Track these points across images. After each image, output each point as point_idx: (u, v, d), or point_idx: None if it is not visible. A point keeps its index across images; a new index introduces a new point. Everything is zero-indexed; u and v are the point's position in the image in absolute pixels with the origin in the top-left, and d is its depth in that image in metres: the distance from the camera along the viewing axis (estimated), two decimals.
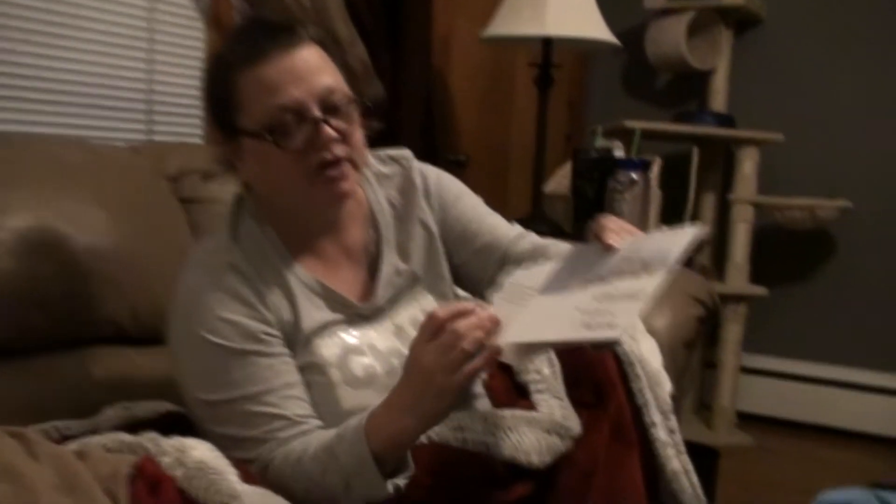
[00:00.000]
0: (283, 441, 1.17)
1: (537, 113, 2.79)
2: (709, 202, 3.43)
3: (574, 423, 1.32)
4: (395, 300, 1.35)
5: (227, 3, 2.32)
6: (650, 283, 1.05)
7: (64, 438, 1.19)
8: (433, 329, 1.07)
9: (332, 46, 1.30)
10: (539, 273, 1.22)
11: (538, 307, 1.14)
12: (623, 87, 3.78)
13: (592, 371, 1.40)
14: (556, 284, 1.17)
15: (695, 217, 3.36)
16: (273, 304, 1.24)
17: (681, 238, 1.10)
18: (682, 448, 1.44)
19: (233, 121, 1.24)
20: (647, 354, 1.52)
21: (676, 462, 1.43)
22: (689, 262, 3.12)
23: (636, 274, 1.08)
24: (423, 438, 1.20)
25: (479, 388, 1.40)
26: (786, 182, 3.36)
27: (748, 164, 3.16)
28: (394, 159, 1.43)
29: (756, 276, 3.22)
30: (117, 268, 1.53)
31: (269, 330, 1.22)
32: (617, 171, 2.21)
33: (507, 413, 1.30)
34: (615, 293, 1.07)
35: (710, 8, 3.30)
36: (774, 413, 3.42)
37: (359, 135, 1.26)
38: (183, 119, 2.35)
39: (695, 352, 1.93)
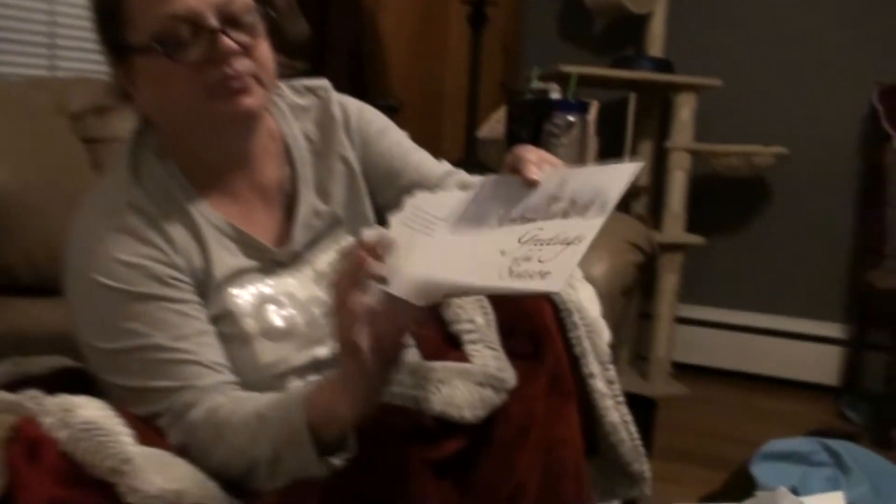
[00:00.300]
0: (202, 390, 1.06)
1: (470, 54, 2.67)
2: (645, 150, 3.37)
3: (509, 375, 1.24)
4: (314, 244, 1.24)
5: None
6: (588, 229, 0.93)
7: None
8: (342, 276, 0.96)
9: None
10: (447, 200, 1.08)
11: (450, 243, 1.02)
12: (559, 32, 3.69)
13: (529, 320, 1.32)
14: (469, 218, 1.04)
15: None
16: (182, 248, 1.12)
17: (617, 176, 0.97)
18: (622, 399, 1.39)
19: (122, 38, 1.10)
20: (586, 302, 1.45)
21: (615, 413, 1.37)
22: (624, 208, 3.09)
23: (567, 215, 0.96)
24: None
25: (407, 338, 1.30)
26: (722, 129, 3.31)
27: (685, 111, 3.10)
28: (310, 90, 1.31)
29: (692, 225, 3.18)
30: (11, 212, 1.40)
31: (177, 274, 1.10)
32: (553, 113, 2.12)
33: (438, 365, 1.21)
34: (545, 237, 0.95)
35: None
36: (710, 363, 3.42)
37: (265, 51, 1.14)
38: (89, 54, 2.19)
39: (633, 300, 1.87)
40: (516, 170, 1.06)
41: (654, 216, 3.23)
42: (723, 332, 3.40)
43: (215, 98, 1.09)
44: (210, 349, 1.10)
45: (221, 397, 1.06)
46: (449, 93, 3.31)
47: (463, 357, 1.29)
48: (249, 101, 1.11)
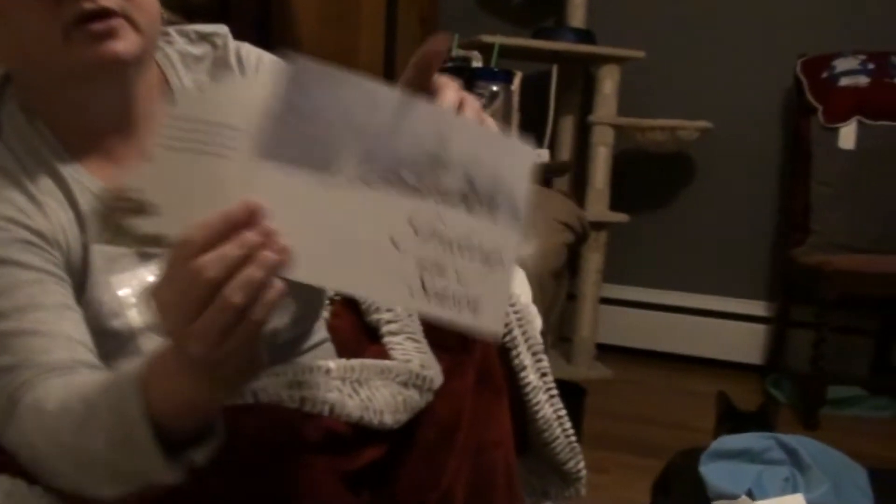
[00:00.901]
0: (44, 367, 0.85)
1: (386, 23, 2.53)
2: (567, 124, 3.27)
3: (435, 372, 1.12)
4: None
5: None
6: (506, 246, 0.80)
7: None
8: (180, 261, 0.67)
9: None
10: (236, 97, 0.74)
11: (286, 188, 0.69)
12: (476, 3, 3.56)
13: None
14: (300, 143, 0.70)
15: (553, 140, 3.20)
16: (52, 214, 0.94)
17: (518, 162, 0.83)
18: (555, 392, 1.31)
19: None
20: (515, 288, 1.34)
21: (549, 408, 1.28)
22: (545, 184, 3.00)
23: (469, 204, 0.77)
24: (247, 397, 0.96)
25: (322, 332, 1.17)
26: (645, 103, 3.24)
27: (608, 84, 3.02)
28: (204, 37, 1.12)
29: (614, 203, 3.10)
30: None
31: (38, 241, 0.92)
32: (476, 82, 1.99)
33: (356, 363, 1.06)
34: (451, 236, 0.76)
35: None
36: (633, 344, 3.36)
37: None
38: None
39: (563, 282, 1.76)
40: (422, 88, 0.82)
41: (578, 193, 3.14)
42: (646, 311, 3.35)
43: (73, 41, 0.90)
44: (69, 324, 0.90)
45: (61, 379, 0.85)
46: (364, 63, 3.16)
47: (382, 351, 1.16)
48: (118, 47, 0.92)
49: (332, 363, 1.06)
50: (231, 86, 0.76)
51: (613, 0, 3.32)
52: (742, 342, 3.24)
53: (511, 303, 1.27)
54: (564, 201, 1.92)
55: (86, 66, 0.92)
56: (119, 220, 0.69)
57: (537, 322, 1.37)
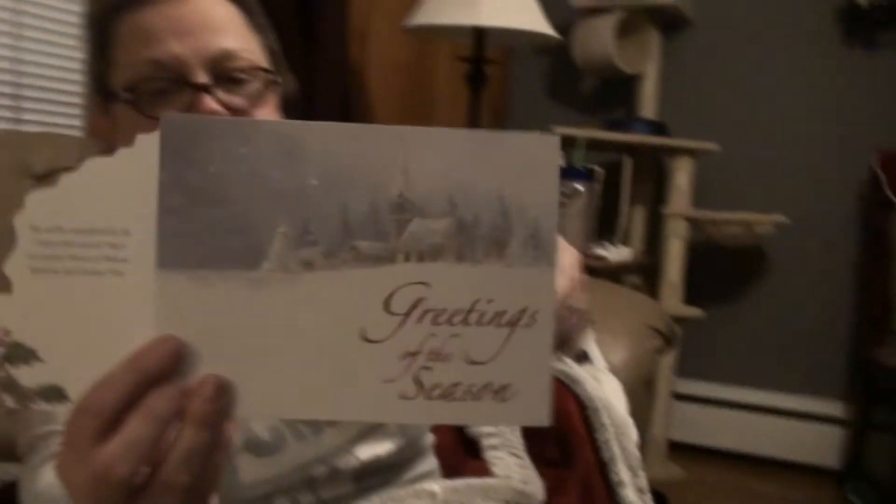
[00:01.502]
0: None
1: (467, 114, 2.53)
2: (639, 216, 3.23)
3: (536, 488, 1.09)
4: None
5: None
6: (540, 290, 0.57)
7: None
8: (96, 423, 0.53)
9: (255, 8, 1.00)
10: (116, 182, 0.56)
11: (202, 308, 0.54)
12: (547, 92, 3.57)
13: (555, 420, 1.16)
14: (209, 241, 0.54)
15: (627, 232, 3.17)
16: None
17: (537, 175, 0.56)
18: None
19: (104, 79, 0.94)
20: (612, 398, 1.29)
21: None
22: (615, 279, 2.95)
23: (462, 251, 0.56)
24: None
25: (430, 461, 1.13)
26: (719, 195, 3.19)
27: (682, 176, 2.98)
28: None
29: (688, 297, 3.04)
30: None
31: None
32: (560, 181, 1.97)
33: (461, 485, 1.04)
34: (443, 304, 0.56)
35: (640, 7, 3.12)
36: (706, 442, 3.25)
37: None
38: (56, 107, 2.02)
39: (653, 389, 1.71)
40: None
41: (649, 286, 3.09)
42: (719, 409, 3.25)
43: None
44: None
45: None
46: None
47: (483, 468, 1.12)
48: None
49: (437, 486, 1.03)
50: (101, 174, 0.55)
51: (685, 92, 3.30)
52: (818, 444, 3.12)
53: (609, 415, 1.24)
54: (653, 304, 1.88)
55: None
56: None
57: (634, 436, 1.32)
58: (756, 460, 3.19)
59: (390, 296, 0.55)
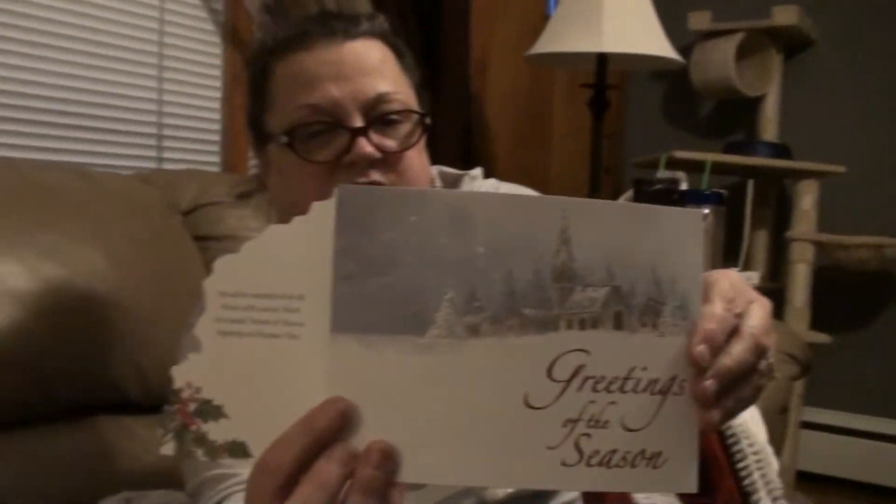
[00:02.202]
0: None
1: (589, 140, 2.54)
2: (761, 240, 3.17)
3: None
4: None
5: (245, 16, 2.08)
6: (682, 361, 0.58)
7: None
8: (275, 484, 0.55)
9: (404, 49, 1.04)
10: (294, 249, 0.58)
11: (371, 372, 0.55)
12: (663, 116, 3.55)
13: None
14: (379, 308, 0.55)
15: (748, 257, 3.11)
16: None
17: (684, 246, 0.59)
18: None
19: (262, 122, 0.99)
20: (751, 425, 1.27)
21: None
22: None
23: (620, 321, 0.57)
24: None
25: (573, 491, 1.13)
26: (843, 218, 3.10)
27: (807, 199, 2.91)
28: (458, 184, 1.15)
29: (815, 322, 2.96)
30: (120, 320, 1.27)
31: None
32: (685, 204, 1.96)
33: None
34: (602, 372, 0.57)
35: (760, 29, 3.07)
36: (835, 472, 3.14)
37: (416, 162, 0.97)
38: (197, 146, 2.11)
39: (788, 417, 1.67)
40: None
41: (774, 313, 3.02)
42: (847, 438, 3.14)
43: None
44: None
45: None
46: (555, 182, 3.18)
47: (625, 496, 1.12)
48: None
49: None
50: (279, 241, 0.58)
51: (808, 113, 3.23)
52: None
53: (749, 443, 1.22)
54: (787, 330, 1.84)
55: None
56: (187, 431, 0.57)
57: (775, 464, 1.29)
58: (885, 491, 3.07)
59: (553, 363, 0.56)
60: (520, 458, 0.56)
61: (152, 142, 2.01)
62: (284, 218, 1.01)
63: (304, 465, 0.53)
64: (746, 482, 1.17)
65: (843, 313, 3.17)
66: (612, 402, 0.57)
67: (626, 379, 0.57)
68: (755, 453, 1.21)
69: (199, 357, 0.57)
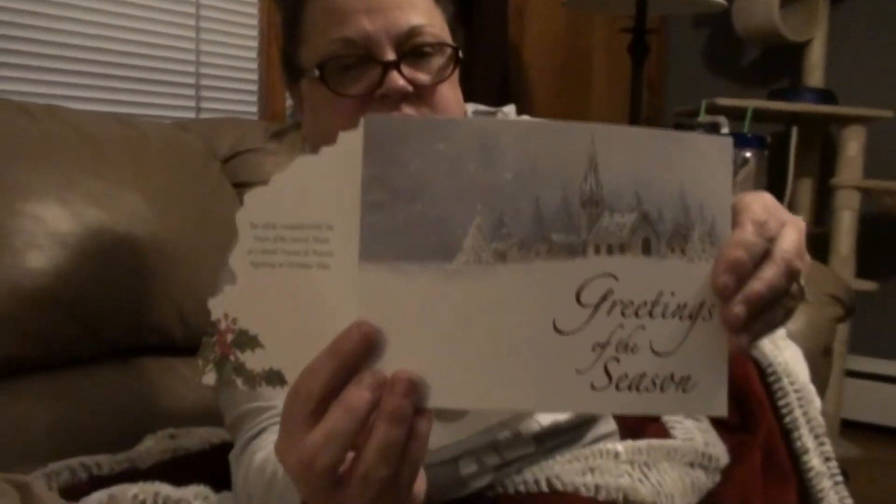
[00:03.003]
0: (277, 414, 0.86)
1: (629, 87, 2.51)
2: (805, 188, 3.13)
3: (720, 451, 1.08)
4: None
5: None
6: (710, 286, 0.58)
7: (92, 479, 0.95)
8: (306, 409, 0.56)
9: None
10: (321, 178, 0.58)
11: (399, 299, 0.55)
12: (705, 63, 3.49)
13: (734, 384, 1.14)
14: (408, 234, 0.55)
15: (792, 206, 3.07)
16: None
17: (713, 173, 0.59)
18: (840, 478, 1.22)
19: (295, 57, 0.98)
20: (793, 364, 1.27)
21: (833, 496, 1.19)
22: None
23: (649, 246, 0.57)
24: (543, 486, 0.95)
25: (610, 422, 1.13)
26: (890, 164, 3.05)
27: (853, 145, 2.86)
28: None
29: (861, 270, 2.92)
30: (162, 264, 1.30)
31: None
32: None
33: (643, 445, 1.04)
34: (631, 296, 0.57)
35: None
36: (881, 421, 3.12)
37: (449, 96, 0.96)
38: (234, 95, 2.13)
39: (831, 360, 1.66)
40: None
41: (820, 260, 2.98)
42: (894, 386, 3.11)
43: None
44: None
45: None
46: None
47: (663, 430, 1.12)
48: None
49: (620, 446, 1.03)
50: (308, 172, 0.59)
51: (854, 58, 3.17)
52: None
53: (791, 381, 1.21)
54: (830, 273, 1.82)
55: None
56: (227, 361, 0.59)
57: (817, 402, 1.28)
58: None
59: (581, 287, 0.56)
60: (548, 383, 0.56)
61: (191, 92, 2.03)
62: (314, 147, 1.01)
63: (333, 391, 0.54)
64: (787, 419, 1.18)
65: (890, 261, 3.13)
66: (641, 327, 0.57)
67: (655, 304, 0.57)
68: (796, 391, 1.21)
69: (234, 289, 0.58)
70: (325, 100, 0.93)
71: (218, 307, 0.58)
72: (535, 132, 0.56)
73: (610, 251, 0.56)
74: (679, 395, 0.58)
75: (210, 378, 0.58)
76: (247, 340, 0.58)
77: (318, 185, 0.58)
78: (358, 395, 0.54)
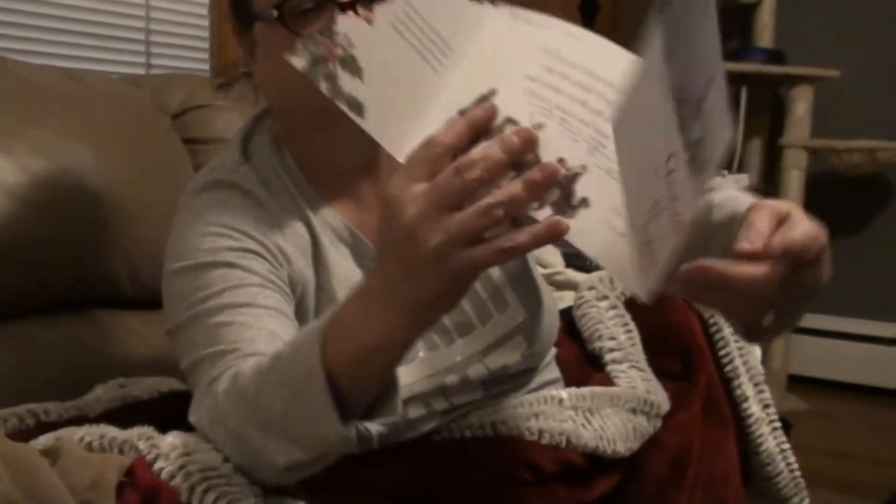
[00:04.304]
0: (246, 354, 0.85)
1: None
2: (755, 148, 3.17)
3: (661, 398, 1.12)
4: None
5: None
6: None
7: (40, 425, 0.96)
8: (430, 158, 0.65)
9: None
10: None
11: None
12: None
13: (676, 335, 1.19)
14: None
15: (742, 165, 3.11)
16: (291, 239, 0.96)
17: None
18: (778, 424, 1.27)
19: (249, 2, 0.97)
20: None
21: (772, 441, 1.24)
22: None
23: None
24: (488, 431, 0.97)
25: (554, 371, 1.16)
26: (840, 124, 3.10)
27: (801, 105, 2.91)
28: None
29: None
30: (110, 217, 1.29)
31: (269, 256, 0.94)
32: None
33: (587, 392, 1.07)
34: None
35: None
36: (828, 375, 3.20)
37: None
38: (185, 52, 2.11)
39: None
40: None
41: None
42: (841, 341, 3.19)
43: None
44: (278, 324, 0.89)
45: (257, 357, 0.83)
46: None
47: (606, 380, 1.15)
48: None
49: (565, 392, 1.06)
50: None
51: (803, 18, 3.20)
52: None
53: (732, 331, 1.24)
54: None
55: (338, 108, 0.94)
56: (324, 64, 0.66)
57: (757, 352, 1.32)
58: (879, 391, 3.13)
59: (672, 157, 0.63)
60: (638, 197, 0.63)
61: (141, 48, 2.01)
62: (274, 101, 1.00)
63: (461, 147, 0.64)
64: (728, 368, 1.21)
65: (836, 219, 3.18)
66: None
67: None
68: (736, 341, 1.24)
69: (369, 28, 0.66)
70: (283, 42, 0.90)
71: (347, 24, 0.66)
72: None
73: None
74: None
75: (301, 60, 0.66)
76: (352, 65, 0.66)
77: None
78: (510, 139, 0.63)
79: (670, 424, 1.10)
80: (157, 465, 0.76)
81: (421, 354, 1.00)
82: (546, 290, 1.10)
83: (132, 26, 1.99)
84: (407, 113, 0.67)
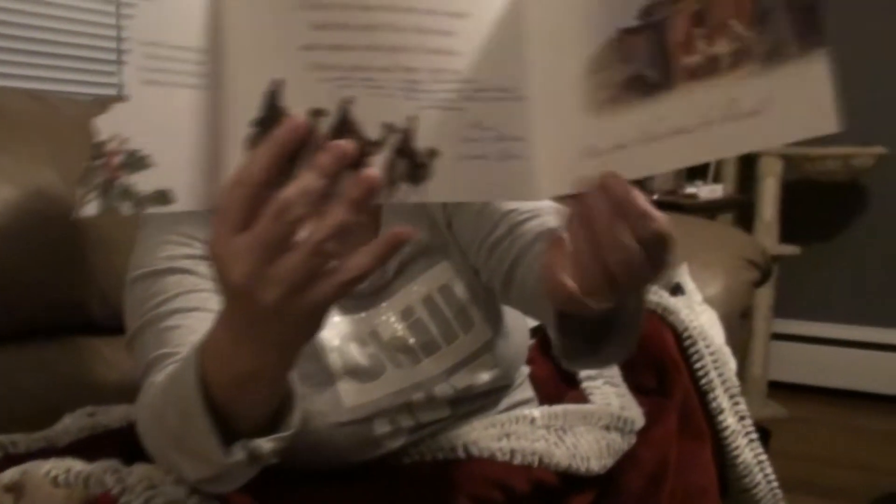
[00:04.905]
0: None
1: None
2: (730, 157, 3.18)
3: (635, 414, 1.12)
4: (402, 274, 1.04)
5: None
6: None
7: (7, 457, 0.95)
8: (243, 201, 0.58)
9: None
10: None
11: None
12: None
13: (650, 349, 1.19)
14: None
15: (717, 174, 3.13)
16: None
17: None
18: (754, 435, 1.26)
19: None
20: (708, 328, 1.31)
21: (748, 452, 1.24)
22: (710, 216, 2.92)
23: None
24: (460, 453, 0.97)
25: (527, 390, 1.15)
26: None
27: None
28: None
29: (785, 235, 2.99)
30: (79, 243, 1.28)
31: None
32: None
33: (559, 410, 1.07)
34: None
35: None
36: (807, 381, 3.21)
37: None
38: None
39: (751, 322, 1.71)
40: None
41: (744, 226, 3.05)
42: (819, 347, 3.21)
43: None
44: None
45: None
46: None
47: (581, 396, 1.16)
48: None
49: (537, 412, 1.06)
50: None
51: None
52: None
53: (706, 344, 1.25)
54: (746, 237, 1.87)
55: None
56: (113, 185, 0.57)
57: (732, 364, 1.33)
58: (858, 396, 3.16)
59: None
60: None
61: (112, 68, 1.99)
62: None
63: (275, 176, 0.58)
64: (703, 381, 1.21)
65: (811, 225, 3.21)
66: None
67: None
68: (712, 354, 1.24)
69: (126, 106, 0.57)
70: None
71: (107, 125, 0.57)
72: None
73: None
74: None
75: (92, 207, 0.58)
76: (137, 161, 0.57)
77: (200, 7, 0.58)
78: (325, 159, 0.58)
79: (646, 439, 1.10)
80: (123, 500, 0.76)
81: (388, 371, 1.00)
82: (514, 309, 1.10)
83: (103, 46, 1.97)
84: (210, 157, 0.59)
